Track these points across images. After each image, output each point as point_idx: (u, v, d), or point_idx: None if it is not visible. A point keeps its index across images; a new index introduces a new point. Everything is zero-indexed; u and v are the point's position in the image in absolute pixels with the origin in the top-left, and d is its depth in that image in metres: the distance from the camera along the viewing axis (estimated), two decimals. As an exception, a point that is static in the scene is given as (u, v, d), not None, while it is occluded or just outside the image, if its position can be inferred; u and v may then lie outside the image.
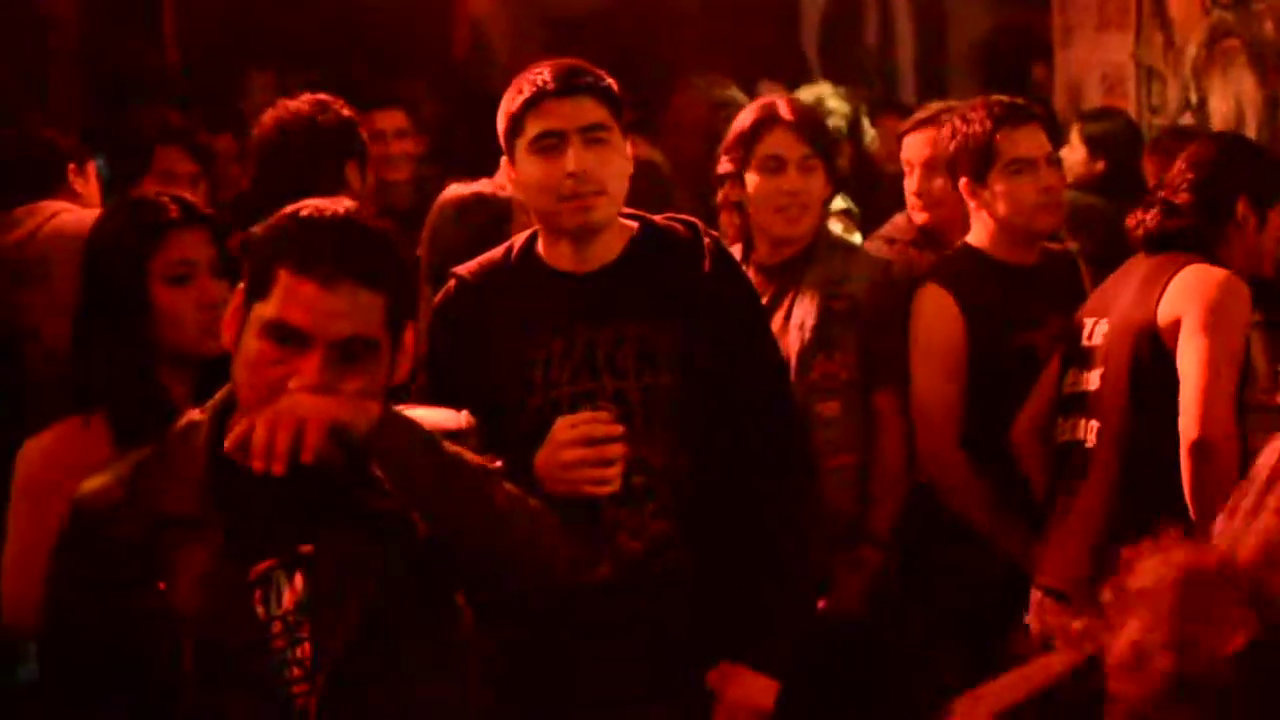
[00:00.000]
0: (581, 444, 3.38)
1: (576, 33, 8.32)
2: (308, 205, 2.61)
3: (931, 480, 4.47)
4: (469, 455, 2.66)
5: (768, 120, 4.45)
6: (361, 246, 2.56)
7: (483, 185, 4.43)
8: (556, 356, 3.49)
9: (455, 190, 4.39)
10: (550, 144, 3.46)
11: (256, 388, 2.54)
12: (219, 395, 2.70)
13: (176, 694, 2.59)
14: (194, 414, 2.72)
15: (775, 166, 4.40)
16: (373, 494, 2.60)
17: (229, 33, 8.42)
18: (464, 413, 2.79)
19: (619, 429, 3.40)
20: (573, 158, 3.43)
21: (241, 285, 2.62)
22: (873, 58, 9.01)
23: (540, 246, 3.58)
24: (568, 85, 3.48)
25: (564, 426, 3.40)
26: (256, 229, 3.45)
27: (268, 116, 4.87)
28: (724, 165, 4.51)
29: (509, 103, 3.52)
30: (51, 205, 4.93)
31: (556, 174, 3.44)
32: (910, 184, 4.97)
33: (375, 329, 2.56)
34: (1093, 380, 4.14)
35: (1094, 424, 4.13)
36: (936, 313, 4.44)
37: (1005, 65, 8.21)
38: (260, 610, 2.61)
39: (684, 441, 3.49)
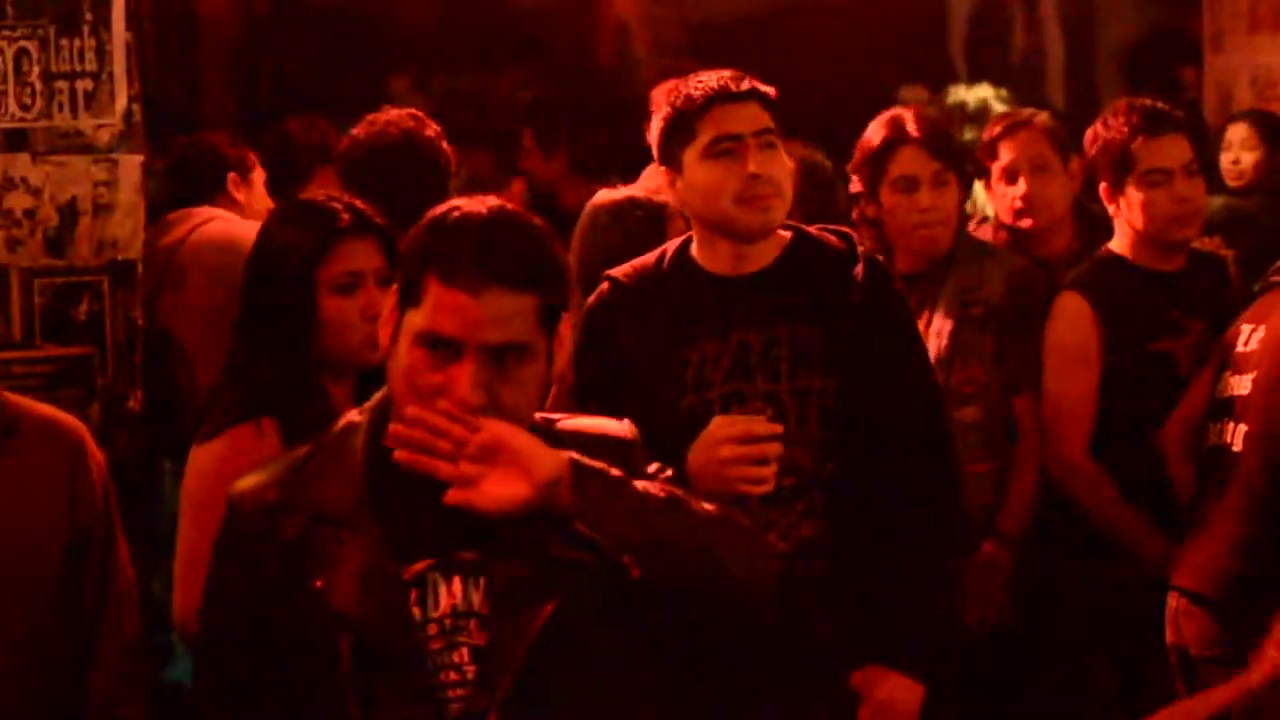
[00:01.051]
0: (739, 442, 3.38)
1: (718, 39, 8.33)
2: (454, 207, 2.61)
3: (1059, 484, 4.48)
4: (656, 487, 2.66)
5: (896, 140, 4.51)
6: (509, 249, 2.56)
7: (633, 190, 4.44)
8: (711, 357, 3.53)
9: (606, 195, 4.41)
10: (728, 148, 3.51)
11: (413, 395, 2.55)
12: (377, 397, 2.71)
13: (335, 695, 2.61)
14: (352, 415, 2.73)
15: (908, 186, 4.48)
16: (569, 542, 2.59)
17: (369, 38, 8.49)
18: (626, 422, 2.79)
19: (777, 428, 3.41)
20: (753, 160, 3.49)
21: (395, 289, 2.64)
22: (1020, 61, 8.93)
23: (695, 251, 3.62)
24: (741, 91, 3.54)
25: (722, 424, 3.41)
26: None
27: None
28: (854, 185, 4.59)
29: (673, 108, 3.56)
30: (204, 212, 5.01)
31: (735, 177, 3.50)
32: (1015, 189, 4.92)
33: (527, 332, 2.56)
34: (1243, 385, 4.12)
35: (1241, 428, 4.10)
36: (1072, 319, 4.47)
37: (1154, 68, 8.12)
38: (416, 611, 2.62)
39: (833, 445, 3.52)
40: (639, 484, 2.64)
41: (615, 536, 2.58)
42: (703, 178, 3.53)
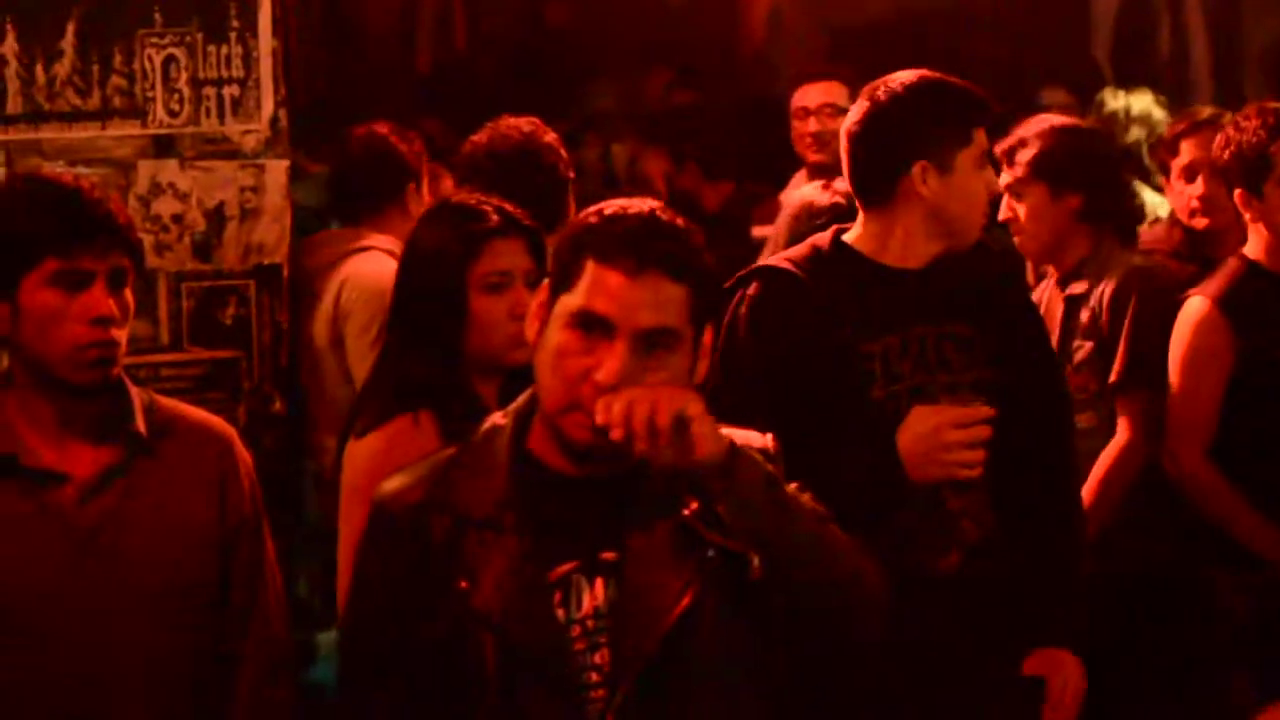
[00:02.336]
0: (956, 427, 3.47)
1: (858, 43, 8.29)
2: (613, 202, 2.66)
3: (1182, 489, 4.46)
4: (805, 497, 2.68)
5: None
6: (666, 239, 2.59)
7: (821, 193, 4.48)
8: (895, 350, 3.57)
9: (808, 195, 4.44)
10: (987, 162, 3.65)
11: (561, 379, 2.57)
12: (521, 399, 2.73)
13: (478, 695, 2.62)
14: (497, 417, 2.75)
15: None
16: (705, 526, 2.60)
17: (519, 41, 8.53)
18: (769, 435, 2.79)
19: (990, 411, 3.50)
20: (995, 179, 3.72)
21: (546, 282, 2.66)
22: (1165, 63, 8.82)
23: (857, 241, 3.65)
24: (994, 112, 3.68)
25: (928, 413, 3.49)
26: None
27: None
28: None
29: (956, 110, 3.61)
30: (358, 239, 4.91)
31: (989, 190, 3.69)
32: (1194, 188, 4.87)
33: (679, 320, 2.58)
34: None
35: None
36: (1201, 325, 4.43)
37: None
38: (560, 613, 2.63)
39: (999, 436, 3.57)
40: (791, 488, 2.65)
41: (753, 528, 2.59)
42: (974, 185, 3.60)
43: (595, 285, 2.57)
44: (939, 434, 3.47)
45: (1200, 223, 4.91)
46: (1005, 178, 4.56)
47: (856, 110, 3.65)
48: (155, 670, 3.07)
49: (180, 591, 3.10)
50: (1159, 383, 4.46)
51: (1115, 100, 6.35)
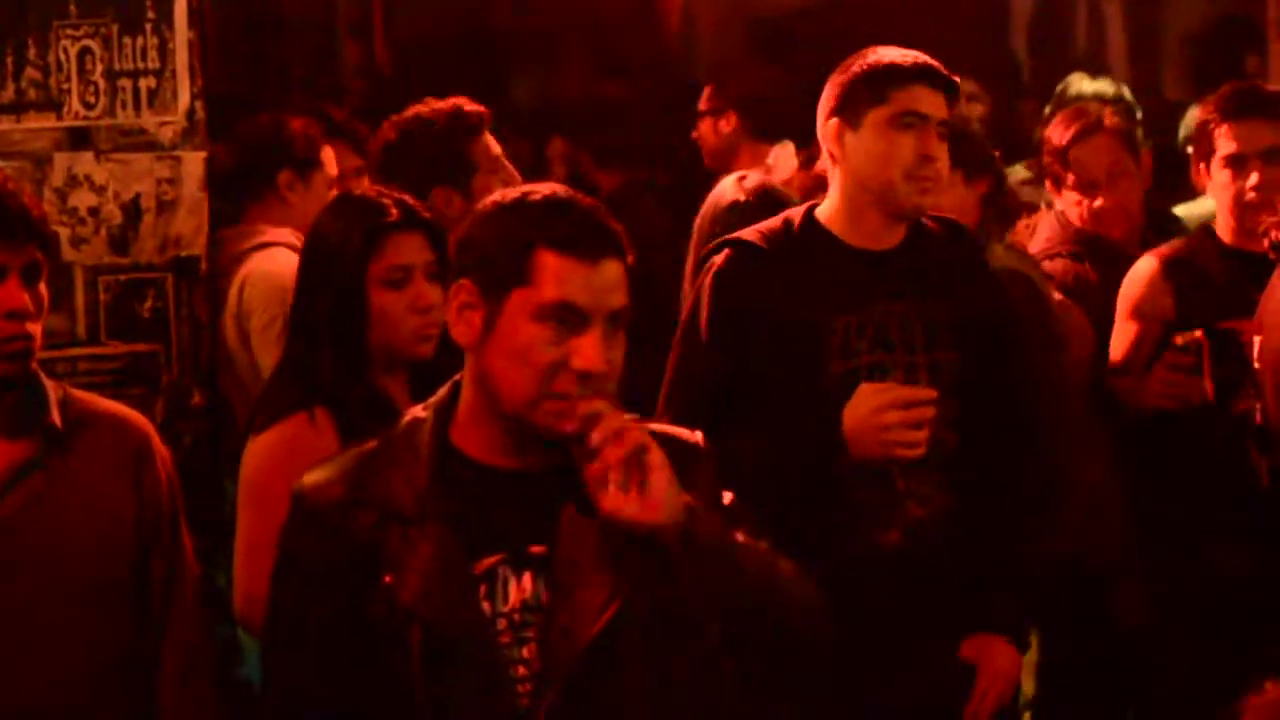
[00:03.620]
0: (898, 408, 3.49)
1: (780, 31, 8.30)
2: (525, 192, 2.66)
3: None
4: (751, 540, 2.71)
5: None
6: (604, 221, 2.63)
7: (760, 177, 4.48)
8: (855, 327, 3.60)
9: (720, 190, 4.46)
10: (911, 123, 3.59)
11: (533, 372, 2.57)
12: (441, 392, 2.72)
13: (406, 691, 2.61)
14: (417, 410, 2.74)
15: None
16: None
17: (432, 35, 8.49)
18: (698, 433, 2.80)
19: (933, 393, 3.54)
20: (933, 144, 3.60)
21: (465, 282, 2.63)
22: (1083, 51, 8.87)
23: (829, 221, 3.68)
24: (942, 78, 3.64)
25: (879, 390, 3.52)
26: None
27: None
28: None
29: (877, 66, 3.62)
30: (259, 235, 4.79)
31: (910, 153, 3.59)
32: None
33: (628, 297, 2.63)
34: None
35: None
36: (1143, 277, 4.51)
37: (1219, 56, 8.04)
38: (486, 605, 2.62)
39: (960, 416, 3.63)
40: (738, 537, 2.68)
41: (698, 588, 2.61)
42: (876, 144, 3.60)
43: (561, 277, 2.57)
44: (880, 414, 3.49)
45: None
46: None
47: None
48: (75, 664, 3.05)
49: (98, 585, 3.08)
50: None
51: (1079, 86, 6.39)
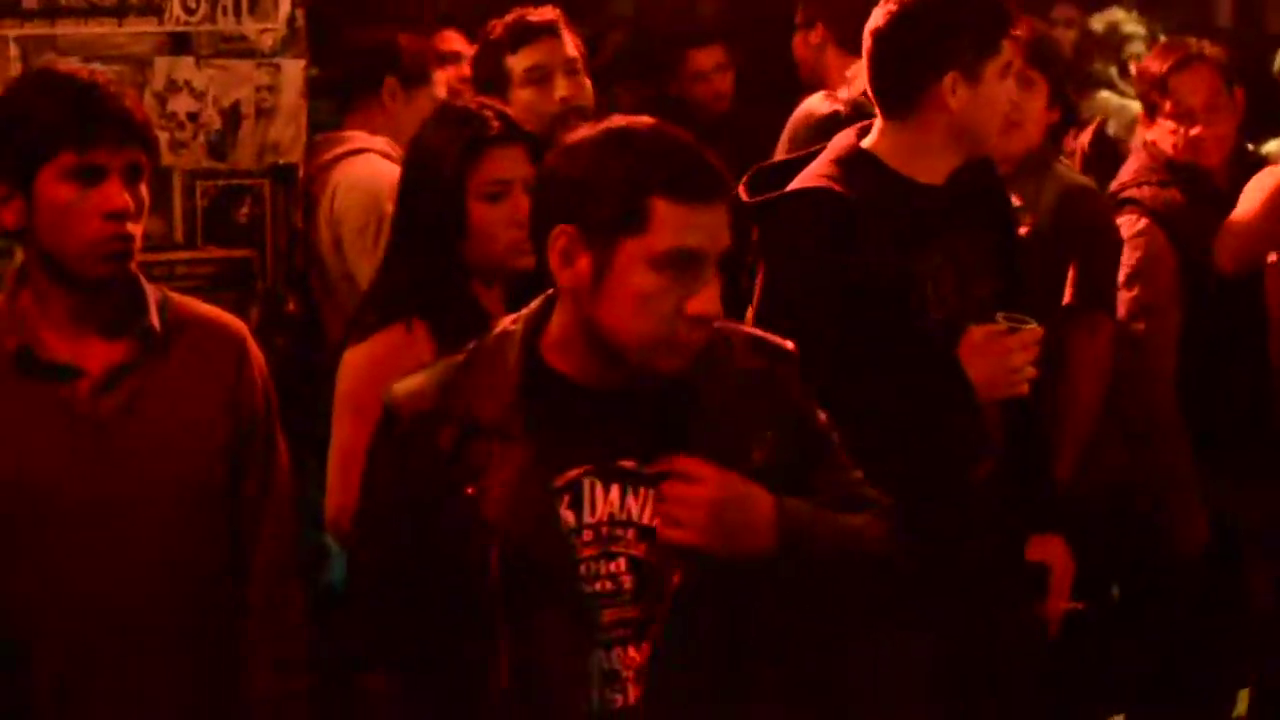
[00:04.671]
0: (1019, 348, 3.52)
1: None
2: (632, 129, 2.62)
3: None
4: (855, 520, 2.75)
5: None
6: (711, 160, 2.61)
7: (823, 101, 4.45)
8: (939, 268, 3.57)
9: (810, 104, 4.43)
10: (1008, 70, 3.57)
11: (655, 319, 2.56)
12: (533, 305, 2.73)
13: (486, 602, 2.63)
14: (506, 323, 2.74)
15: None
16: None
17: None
18: (790, 343, 2.81)
19: (1041, 331, 3.56)
20: (1015, 90, 3.64)
21: (566, 228, 2.60)
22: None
23: (884, 153, 3.58)
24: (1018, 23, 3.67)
25: (987, 335, 3.52)
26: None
27: None
28: None
29: (983, 18, 3.55)
30: (350, 141, 4.82)
31: (1009, 103, 3.63)
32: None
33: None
34: None
35: None
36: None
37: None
38: (569, 516, 2.64)
39: None
40: (833, 522, 2.71)
41: (806, 575, 2.69)
42: (999, 96, 3.56)
43: (678, 224, 2.55)
44: (1008, 357, 3.51)
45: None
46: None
47: (882, 12, 3.56)
48: (168, 565, 3.08)
49: (192, 486, 3.11)
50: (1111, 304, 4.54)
51: (1095, 20, 6.35)
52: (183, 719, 3.14)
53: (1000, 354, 3.51)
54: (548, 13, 4.52)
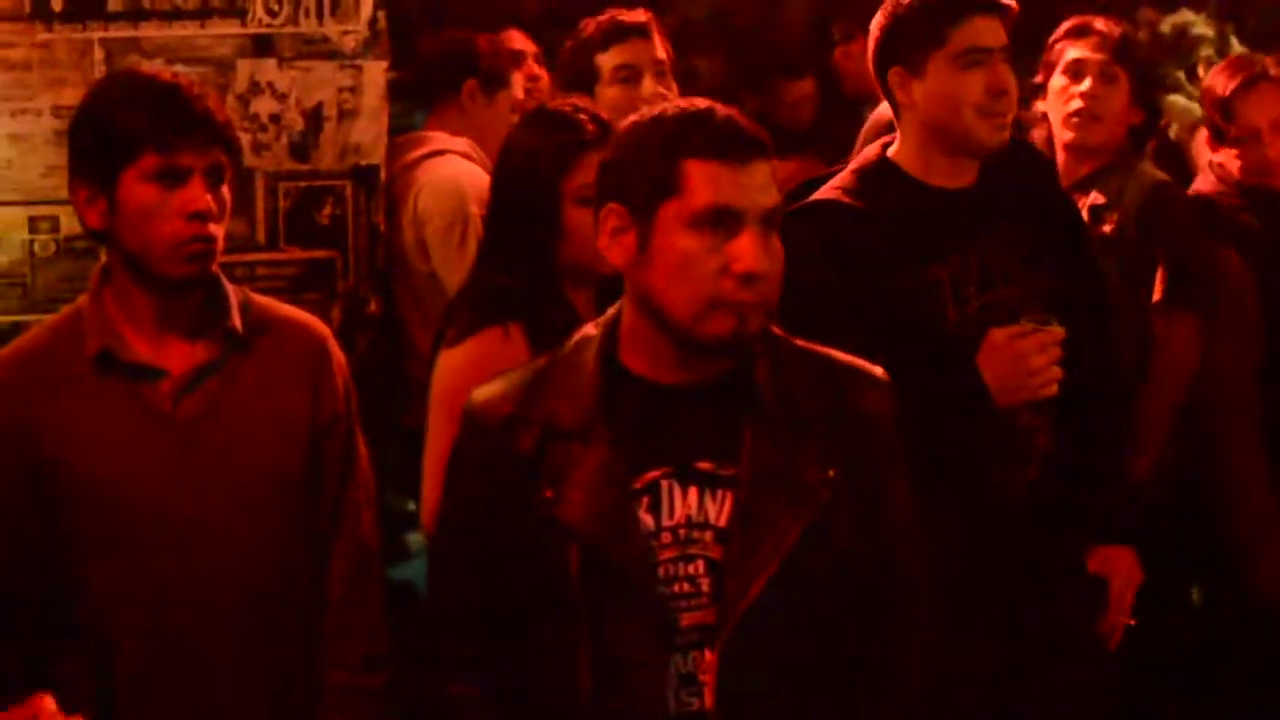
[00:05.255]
0: (1038, 351, 3.45)
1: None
2: (668, 106, 2.67)
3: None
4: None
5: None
6: (746, 124, 2.62)
7: None
8: (959, 272, 3.53)
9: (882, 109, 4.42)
10: (976, 60, 3.50)
11: (697, 281, 2.57)
12: (611, 311, 2.73)
13: (565, 605, 2.63)
14: (588, 329, 2.76)
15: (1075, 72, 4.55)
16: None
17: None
18: (879, 367, 2.83)
19: (1063, 332, 3.48)
20: (1003, 76, 3.51)
21: (613, 205, 2.64)
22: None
23: (906, 163, 3.59)
24: (995, 4, 3.54)
25: (1007, 337, 3.45)
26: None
27: None
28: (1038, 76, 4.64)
29: (922, 8, 3.52)
30: (430, 143, 4.86)
31: (980, 90, 3.50)
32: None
33: (779, 197, 2.63)
34: None
35: None
36: None
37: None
38: (648, 519, 2.63)
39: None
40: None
41: None
42: (945, 85, 3.50)
43: (710, 181, 2.56)
44: (1024, 359, 3.45)
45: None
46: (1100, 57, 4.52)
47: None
48: (249, 564, 3.10)
49: (272, 486, 3.13)
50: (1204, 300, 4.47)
51: (1166, 22, 6.29)
52: (261, 715, 3.16)
53: (1016, 356, 3.44)
54: (640, 14, 4.54)
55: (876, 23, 3.61)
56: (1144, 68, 4.71)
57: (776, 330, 2.72)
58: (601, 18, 4.53)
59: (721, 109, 2.63)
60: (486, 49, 4.99)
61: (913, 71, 3.53)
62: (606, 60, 4.47)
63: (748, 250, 2.56)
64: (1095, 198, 4.42)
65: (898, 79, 3.55)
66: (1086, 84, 4.49)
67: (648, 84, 4.45)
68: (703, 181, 2.56)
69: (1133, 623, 3.84)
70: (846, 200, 3.54)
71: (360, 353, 4.30)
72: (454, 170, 4.68)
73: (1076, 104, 4.50)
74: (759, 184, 2.58)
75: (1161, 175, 4.61)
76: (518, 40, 5.63)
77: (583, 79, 4.45)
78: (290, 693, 3.17)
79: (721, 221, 2.56)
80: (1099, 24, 4.57)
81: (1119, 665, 3.91)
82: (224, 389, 3.11)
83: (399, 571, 4.07)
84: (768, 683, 2.61)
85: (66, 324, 3.15)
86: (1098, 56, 4.51)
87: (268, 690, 3.15)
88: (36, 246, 4.34)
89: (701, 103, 2.65)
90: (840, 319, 3.34)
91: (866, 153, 3.67)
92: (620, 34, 4.46)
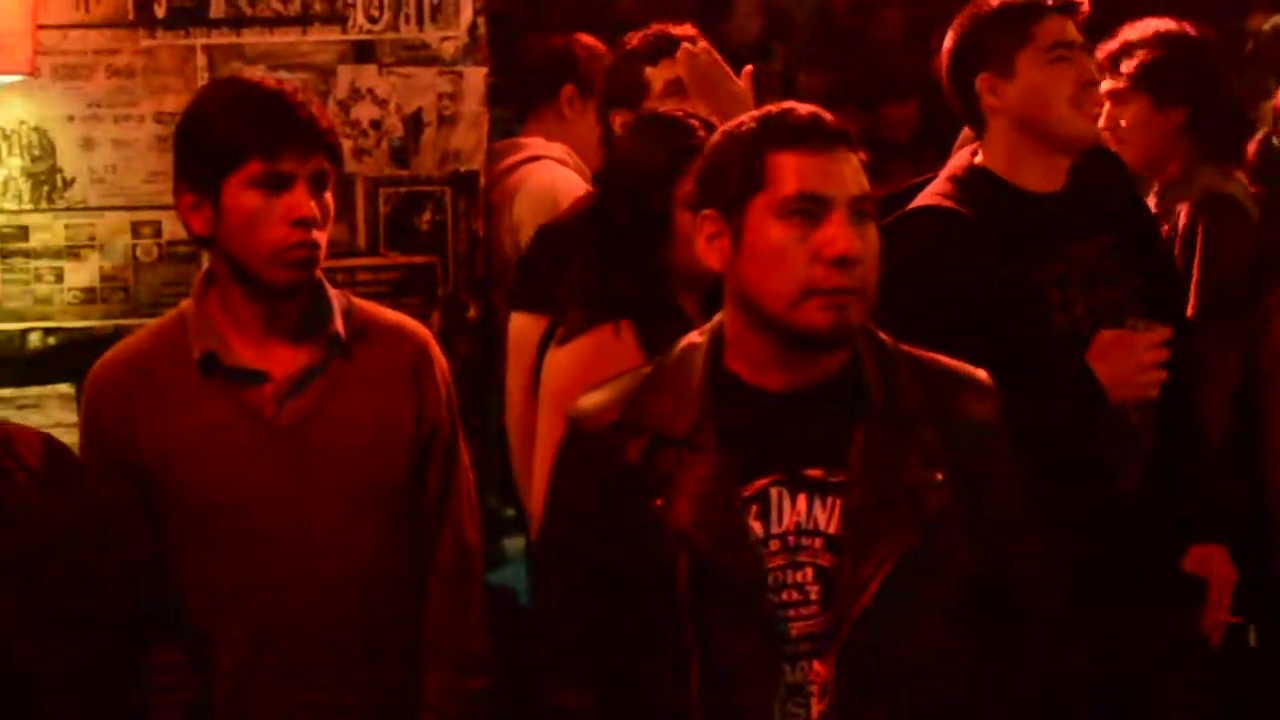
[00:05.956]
0: (1148, 350, 3.49)
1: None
2: (752, 113, 2.69)
3: None
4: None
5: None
6: (829, 118, 2.64)
7: None
8: (1062, 275, 3.56)
9: None
10: (1062, 54, 3.55)
11: (789, 271, 2.57)
12: (716, 318, 2.73)
13: (672, 613, 2.62)
14: (693, 335, 2.75)
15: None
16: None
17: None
18: (983, 372, 2.82)
19: (1169, 331, 3.52)
20: (1090, 68, 3.58)
21: (707, 211, 2.66)
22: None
23: (1000, 169, 3.62)
24: (1070, 4, 3.59)
25: (1116, 338, 3.49)
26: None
27: None
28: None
29: (1005, 8, 3.57)
30: (526, 149, 4.84)
31: (1070, 82, 3.55)
32: None
33: (869, 186, 2.63)
34: None
35: None
36: None
37: None
38: (757, 527, 2.62)
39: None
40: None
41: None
42: (1037, 81, 3.54)
43: (795, 170, 2.58)
44: (1136, 357, 3.47)
45: None
46: (1108, 84, 4.39)
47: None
48: (351, 566, 3.11)
49: (376, 490, 3.14)
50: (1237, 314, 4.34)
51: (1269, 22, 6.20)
52: (361, 718, 3.17)
53: (1127, 354, 3.48)
54: (689, 28, 4.51)
55: (952, 38, 3.65)
56: (1175, 63, 4.55)
57: (883, 335, 2.71)
58: (647, 30, 4.50)
59: (803, 106, 2.65)
60: (583, 53, 4.99)
61: (1002, 73, 3.57)
62: (657, 74, 4.44)
63: (837, 235, 2.56)
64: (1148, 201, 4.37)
65: (987, 84, 3.58)
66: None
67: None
68: (788, 171, 2.58)
69: (1236, 620, 3.86)
70: (946, 205, 3.57)
71: (460, 357, 4.31)
72: (550, 176, 4.68)
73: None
74: (844, 172, 2.59)
75: (1222, 187, 4.47)
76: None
77: (630, 93, 4.41)
78: (392, 696, 3.18)
79: (809, 209, 2.57)
80: (1106, 45, 4.48)
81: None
82: (327, 393, 3.12)
83: (497, 576, 4.08)
84: (879, 692, 2.59)
85: (170, 328, 3.18)
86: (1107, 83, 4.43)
87: (369, 693, 3.16)
88: (139, 251, 4.37)
89: (785, 103, 2.68)
90: (945, 321, 3.35)
91: (958, 160, 3.71)
92: (671, 47, 4.44)
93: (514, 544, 4.34)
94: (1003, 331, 3.42)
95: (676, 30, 4.44)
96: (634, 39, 4.44)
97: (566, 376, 3.41)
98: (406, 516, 3.18)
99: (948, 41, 3.66)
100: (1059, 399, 3.46)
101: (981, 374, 2.78)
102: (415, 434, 3.18)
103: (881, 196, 3.48)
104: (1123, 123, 4.43)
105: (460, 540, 3.23)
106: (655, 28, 4.46)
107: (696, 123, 3.51)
